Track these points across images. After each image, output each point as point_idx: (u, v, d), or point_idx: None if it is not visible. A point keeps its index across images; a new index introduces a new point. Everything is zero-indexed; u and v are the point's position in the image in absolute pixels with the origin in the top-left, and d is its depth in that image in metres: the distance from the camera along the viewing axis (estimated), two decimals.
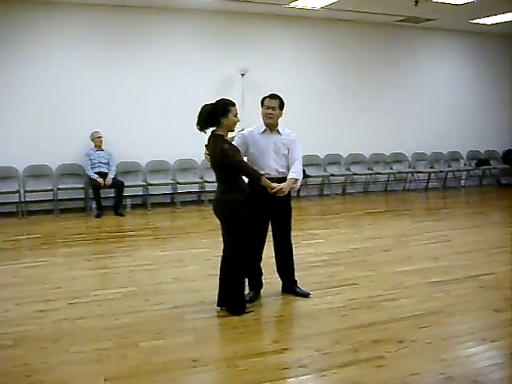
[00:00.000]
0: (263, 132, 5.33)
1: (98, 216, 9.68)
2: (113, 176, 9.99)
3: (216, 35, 11.06)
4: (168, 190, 10.97)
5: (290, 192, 5.29)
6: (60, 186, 9.93)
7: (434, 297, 5.49)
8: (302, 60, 11.82)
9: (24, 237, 8.37)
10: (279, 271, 5.57)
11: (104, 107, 10.31)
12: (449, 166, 13.41)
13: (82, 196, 10.28)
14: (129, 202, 10.46)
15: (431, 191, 13.06)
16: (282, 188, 5.05)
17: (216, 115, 4.85)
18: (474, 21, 11.88)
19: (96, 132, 10.10)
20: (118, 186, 9.94)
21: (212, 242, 7.85)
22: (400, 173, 12.78)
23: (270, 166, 5.26)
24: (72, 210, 10.08)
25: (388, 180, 12.83)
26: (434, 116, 13.15)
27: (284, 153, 5.32)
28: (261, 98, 5.41)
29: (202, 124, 4.87)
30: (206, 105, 4.94)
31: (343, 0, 9.93)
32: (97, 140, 10.09)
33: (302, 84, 11.56)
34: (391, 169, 12.72)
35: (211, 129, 4.94)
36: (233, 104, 4.95)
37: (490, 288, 5.77)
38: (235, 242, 4.94)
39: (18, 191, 9.59)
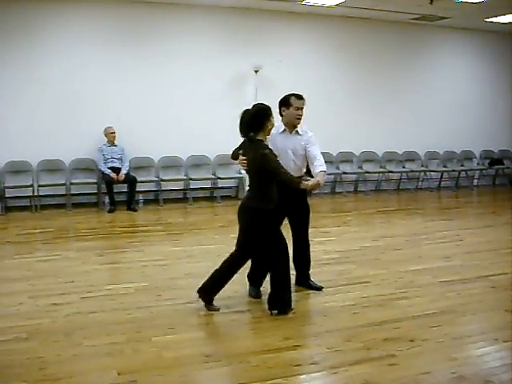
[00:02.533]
0: (282, 132, 5.31)
1: (111, 211, 9.73)
2: (125, 171, 10.03)
3: (230, 32, 11.07)
4: (180, 185, 11.00)
5: (305, 190, 5.27)
6: (73, 181, 9.99)
7: (446, 296, 5.49)
8: (315, 57, 11.81)
9: (37, 231, 8.41)
10: (295, 263, 5.61)
11: (118, 103, 10.36)
12: (462, 166, 13.37)
13: (95, 191, 10.34)
14: (141, 197, 10.50)
15: (444, 190, 13.02)
16: (318, 182, 4.97)
17: (261, 119, 4.83)
18: (489, 19, 11.82)
19: (109, 127, 10.14)
20: (130, 181, 9.98)
21: (224, 239, 7.89)
22: (412, 171, 12.75)
23: (290, 166, 5.17)
24: (85, 205, 10.14)
25: (400, 178, 12.80)
26: (448, 115, 13.11)
27: (302, 153, 5.30)
28: (283, 97, 5.35)
29: (246, 129, 4.86)
30: (247, 110, 4.90)
31: None
32: (110, 135, 10.14)
33: (315, 81, 11.53)
34: (404, 167, 12.68)
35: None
36: (270, 108, 4.95)
37: (502, 288, 5.76)
38: (245, 247, 5.01)
39: (31, 185, 9.65)
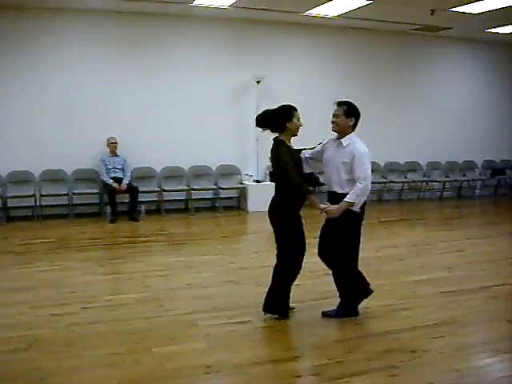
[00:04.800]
0: (334, 141, 5.06)
1: (113, 221, 9.72)
2: (127, 181, 10.03)
3: (232, 42, 11.10)
4: (182, 196, 11.00)
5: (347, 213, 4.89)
6: (75, 191, 10.00)
7: (447, 307, 5.47)
8: (316, 68, 11.84)
9: (39, 241, 8.40)
10: None
11: (120, 113, 10.37)
12: (463, 176, 13.36)
13: (97, 201, 10.34)
14: (143, 207, 10.50)
15: (445, 200, 13.00)
16: (331, 210, 4.80)
17: (281, 120, 4.85)
18: (490, 30, 11.84)
19: (111, 137, 10.15)
20: (132, 191, 9.98)
21: (225, 249, 7.91)
22: (414, 181, 12.74)
23: (331, 179, 5.00)
24: (87, 215, 10.14)
25: (402, 189, 12.78)
26: (449, 125, 13.10)
27: (339, 167, 4.90)
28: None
29: (262, 126, 4.94)
30: (267, 110, 4.94)
31: (359, 8, 9.92)
32: (112, 145, 10.14)
33: (316, 92, 11.52)
34: (405, 177, 12.68)
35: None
36: (295, 109, 4.92)
37: (503, 299, 5.76)
38: (283, 248, 4.97)
39: (33, 195, 9.66)
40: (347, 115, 4.99)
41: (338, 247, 5.01)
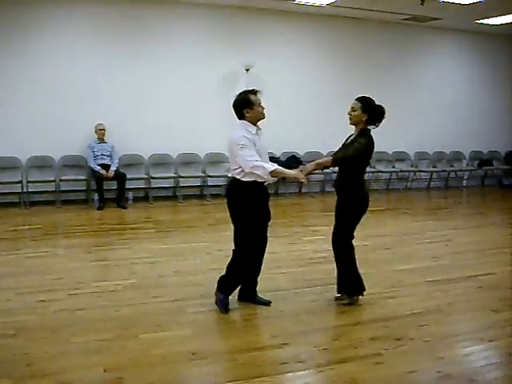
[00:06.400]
0: (257, 132, 4.96)
1: (100, 208, 9.70)
2: (115, 168, 10.01)
3: (221, 30, 11.07)
4: (170, 183, 11.00)
5: None
6: (62, 178, 9.96)
7: (433, 296, 5.51)
8: (306, 56, 11.82)
9: (26, 227, 8.39)
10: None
11: (108, 100, 10.33)
12: (451, 166, 13.43)
13: (84, 188, 10.32)
14: (131, 194, 10.48)
15: (433, 191, 13.08)
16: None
17: None
18: (480, 21, 11.88)
19: (99, 124, 10.11)
20: (120, 178, 9.97)
21: (213, 237, 7.90)
22: (402, 171, 12.79)
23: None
24: (74, 202, 10.12)
25: (390, 178, 12.83)
26: (437, 115, 13.16)
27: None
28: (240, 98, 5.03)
29: None
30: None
31: None
32: (100, 132, 10.11)
33: (306, 80, 11.53)
34: (393, 167, 12.72)
35: None
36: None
37: (489, 288, 5.79)
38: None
39: (20, 182, 9.62)
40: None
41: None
